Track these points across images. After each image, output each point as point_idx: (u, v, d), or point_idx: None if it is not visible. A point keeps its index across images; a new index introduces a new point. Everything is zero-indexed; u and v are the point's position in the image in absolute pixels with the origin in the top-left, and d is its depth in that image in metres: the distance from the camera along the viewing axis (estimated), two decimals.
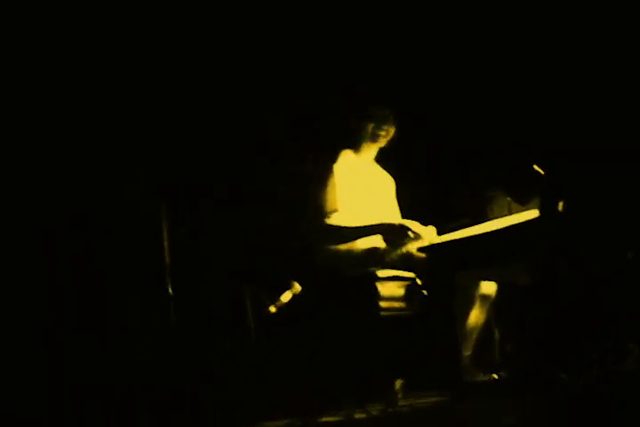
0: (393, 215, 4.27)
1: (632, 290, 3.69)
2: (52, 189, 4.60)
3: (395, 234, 4.01)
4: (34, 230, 4.54)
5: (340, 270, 4.03)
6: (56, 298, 4.49)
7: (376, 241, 4.10)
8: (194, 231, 4.59)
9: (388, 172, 4.41)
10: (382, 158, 4.39)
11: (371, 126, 4.26)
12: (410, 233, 3.95)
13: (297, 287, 3.98)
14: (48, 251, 4.53)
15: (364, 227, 4.07)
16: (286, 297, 3.94)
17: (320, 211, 4.09)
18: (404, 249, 3.99)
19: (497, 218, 3.79)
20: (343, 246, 4.09)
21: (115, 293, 4.53)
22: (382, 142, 4.30)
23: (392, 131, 4.28)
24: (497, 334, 4.11)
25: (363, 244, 4.08)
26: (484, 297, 4.01)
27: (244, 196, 4.84)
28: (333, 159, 4.21)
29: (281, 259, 4.44)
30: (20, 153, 4.57)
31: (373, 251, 4.05)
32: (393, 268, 3.96)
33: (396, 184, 4.40)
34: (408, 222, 4.01)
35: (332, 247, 4.10)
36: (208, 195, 4.76)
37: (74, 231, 4.58)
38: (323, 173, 4.16)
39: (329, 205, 4.09)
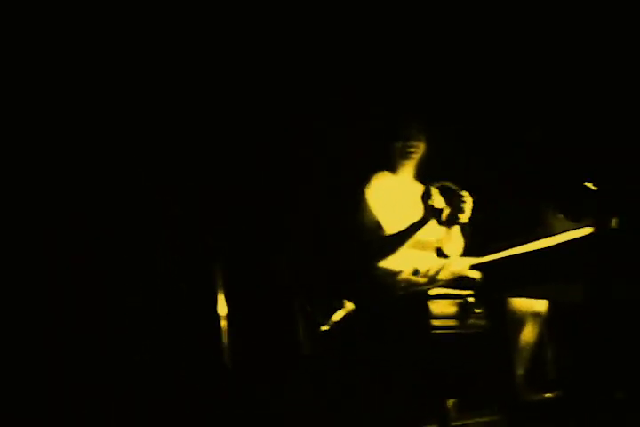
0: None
1: None
2: (52, 188, 4.63)
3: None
4: (34, 230, 4.57)
5: (391, 290, 4.04)
6: (56, 298, 4.51)
7: (428, 260, 4.10)
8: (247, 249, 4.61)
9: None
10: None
11: (399, 145, 4.27)
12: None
13: (349, 306, 3.98)
14: (48, 251, 4.55)
15: (406, 228, 4.09)
16: (338, 316, 3.95)
17: (369, 227, 4.11)
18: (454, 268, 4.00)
19: (550, 235, 3.76)
20: (394, 267, 4.10)
21: (115, 293, 4.54)
22: (415, 159, 4.31)
23: (422, 146, 4.28)
24: (550, 353, 4.09)
25: (417, 262, 4.09)
26: (536, 315, 3.99)
27: (289, 216, 4.85)
28: (367, 183, 4.23)
29: (334, 278, 4.44)
30: (20, 153, 4.60)
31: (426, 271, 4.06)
32: (445, 286, 3.96)
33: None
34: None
35: (385, 267, 4.11)
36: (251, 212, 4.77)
37: (74, 231, 4.60)
38: (358, 196, 4.19)
39: (373, 222, 4.13)
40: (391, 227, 4.14)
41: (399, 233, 4.11)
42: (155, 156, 4.78)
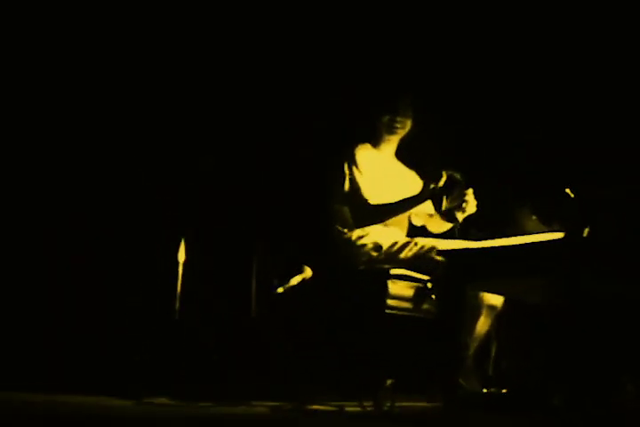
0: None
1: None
2: (52, 188, 4.60)
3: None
4: (34, 230, 4.54)
5: (354, 263, 4.03)
6: (56, 298, 4.49)
7: (391, 237, 4.09)
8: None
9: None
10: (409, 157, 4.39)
11: (386, 118, 4.24)
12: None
13: (308, 272, 3.97)
14: (48, 251, 4.53)
15: (406, 199, 4.07)
16: (296, 280, 3.93)
17: (357, 194, 4.10)
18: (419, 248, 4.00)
19: (521, 234, 3.78)
20: (363, 240, 4.08)
21: (115, 293, 4.53)
22: (400, 134, 4.27)
23: (408, 122, 4.25)
24: (494, 349, 4.11)
25: (383, 238, 4.08)
26: (491, 307, 3.99)
27: (263, 180, 4.82)
28: (350, 154, 4.19)
29: (297, 242, 4.43)
30: (21, 153, 4.57)
31: (388, 247, 4.05)
32: (407, 267, 3.96)
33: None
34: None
35: (353, 239, 4.10)
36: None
37: (74, 231, 4.58)
38: (343, 166, 4.16)
39: (357, 192, 4.10)
40: (371, 197, 4.12)
41: (391, 205, 4.09)
42: (155, 155, 4.74)
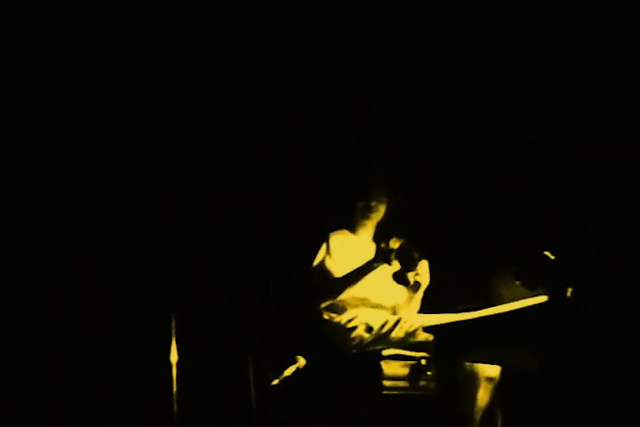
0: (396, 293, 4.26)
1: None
2: (52, 188, 4.60)
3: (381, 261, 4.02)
4: (34, 231, 4.53)
5: (344, 347, 4.03)
6: (56, 298, 4.47)
7: (381, 317, 4.10)
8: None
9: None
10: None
11: (360, 204, 4.28)
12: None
13: (301, 362, 3.97)
14: (48, 251, 4.52)
15: (353, 271, 4.10)
16: (290, 371, 3.93)
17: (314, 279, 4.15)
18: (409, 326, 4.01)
19: (505, 302, 3.78)
20: (353, 322, 4.09)
21: (115, 293, 4.49)
22: (374, 219, 4.32)
23: (382, 208, 4.30)
24: (500, 419, 4.08)
25: (372, 319, 4.09)
26: (489, 379, 3.98)
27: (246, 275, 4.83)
28: (325, 239, 4.25)
29: (287, 333, 4.43)
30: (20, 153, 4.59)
31: (379, 328, 4.06)
32: (398, 347, 3.96)
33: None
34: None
35: (342, 323, 4.11)
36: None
37: (74, 232, 4.57)
38: (315, 253, 4.22)
39: (328, 276, 4.15)
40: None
41: (346, 276, 4.12)
42: (154, 156, 4.77)
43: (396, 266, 4.05)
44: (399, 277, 4.08)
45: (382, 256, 4.04)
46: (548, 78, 4.71)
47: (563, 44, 4.62)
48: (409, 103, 4.85)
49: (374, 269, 4.07)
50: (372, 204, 4.28)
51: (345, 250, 4.24)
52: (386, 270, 4.09)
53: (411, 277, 4.09)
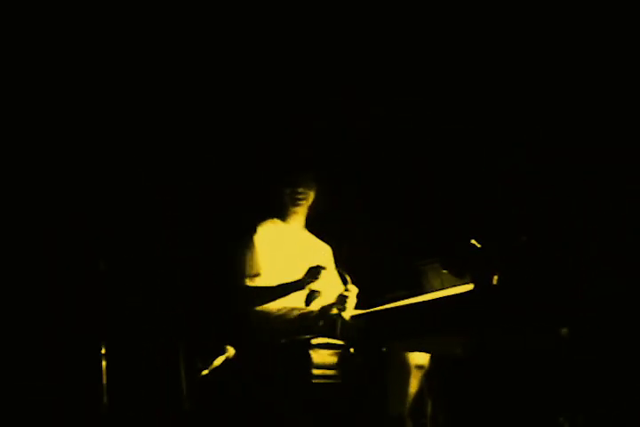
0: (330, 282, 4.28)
1: (564, 366, 3.72)
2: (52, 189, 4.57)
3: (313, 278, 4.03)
4: (34, 232, 4.50)
5: (273, 336, 4.04)
6: (56, 299, 4.43)
7: (308, 306, 4.12)
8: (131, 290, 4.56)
9: (326, 239, 4.45)
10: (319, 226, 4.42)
11: (287, 191, 4.30)
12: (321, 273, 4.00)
13: (230, 352, 3.97)
14: (48, 252, 4.49)
15: (283, 285, 4.10)
16: (219, 361, 3.93)
17: (241, 274, 4.13)
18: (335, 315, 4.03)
19: (433, 291, 3.81)
20: (276, 312, 4.11)
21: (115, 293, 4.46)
22: (305, 206, 4.35)
23: (311, 194, 4.32)
24: (429, 406, 4.11)
25: (296, 309, 4.10)
26: (418, 367, 4.01)
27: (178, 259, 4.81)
28: (254, 229, 4.25)
29: (216, 322, 4.42)
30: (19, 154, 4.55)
31: (306, 317, 4.07)
32: (326, 335, 3.97)
33: (335, 251, 4.45)
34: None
35: (266, 313, 4.12)
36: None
37: (74, 233, 4.54)
38: (244, 242, 4.21)
39: (249, 270, 4.14)
40: (270, 276, 4.16)
41: (271, 289, 4.13)
42: (154, 157, 4.74)
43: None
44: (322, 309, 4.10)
45: (313, 274, 4.05)
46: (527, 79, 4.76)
47: (562, 44, 4.66)
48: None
49: (304, 287, 4.07)
50: (299, 190, 4.29)
51: (275, 239, 4.25)
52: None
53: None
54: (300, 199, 4.31)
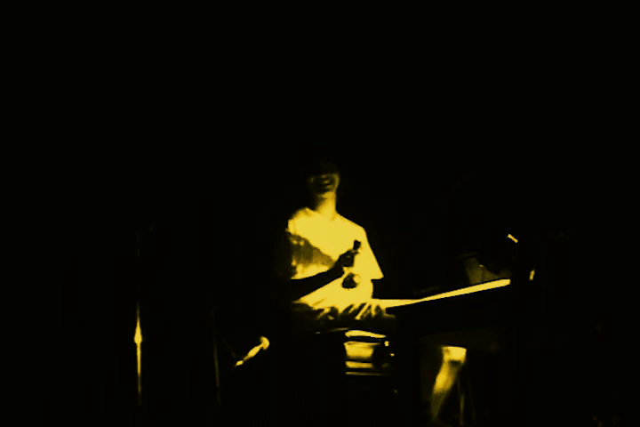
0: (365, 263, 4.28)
1: (600, 362, 3.69)
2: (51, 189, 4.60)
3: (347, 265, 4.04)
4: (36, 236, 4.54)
5: (309, 329, 4.05)
6: (56, 301, 4.47)
7: (347, 300, 4.12)
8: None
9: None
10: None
11: (311, 180, 4.30)
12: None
13: (265, 343, 3.98)
14: (50, 254, 4.52)
15: (319, 275, 4.12)
16: (254, 352, 3.94)
17: (277, 268, 4.15)
18: (373, 310, 4.03)
19: (469, 285, 3.80)
20: (314, 305, 4.12)
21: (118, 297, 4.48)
22: (332, 192, 4.35)
23: (336, 178, 4.32)
24: (463, 401, 4.10)
25: (333, 302, 4.11)
26: (454, 362, 4.00)
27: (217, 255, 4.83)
28: (285, 222, 4.26)
29: (251, 314, 4.44)
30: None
31: (344, 311, 4.08)
32: (362, 328, 3.98)
33: (368, 232, 4.46)
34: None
35: (303, 306, 4.13)
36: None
37: (76, 236, 4.57)
38: (278, 236, 4.23)
39: (285, 264, 4.17)
40: (305, 267, 4.17)
41: (307, 280, 4.15)
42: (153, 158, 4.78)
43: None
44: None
45: (346, 260, 4.06)
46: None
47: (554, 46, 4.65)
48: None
49: (340, 273, 4.08)
50: (323, 176, 4.30)
51: (308, 230, 4.27)
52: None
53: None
54: (326, 184, 4.31)
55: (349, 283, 4.04)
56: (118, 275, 4.38)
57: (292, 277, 4.16)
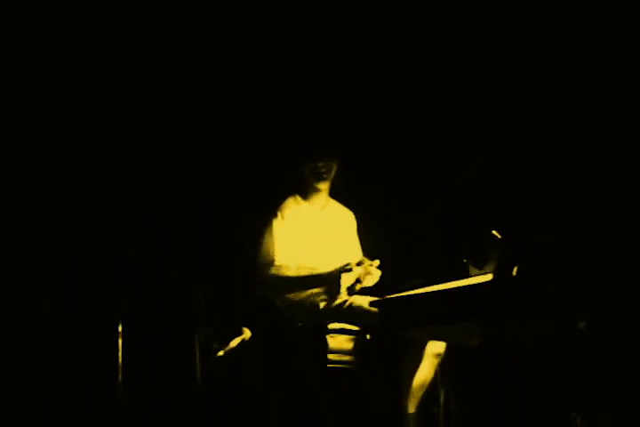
0: (349, 256, 4.27)
1: (581, 359, 3.71)
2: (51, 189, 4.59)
3: (334, 282, 4.03)
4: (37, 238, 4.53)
5: (291, 320, 4.05)
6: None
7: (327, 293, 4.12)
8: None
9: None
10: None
11: (307, 169, 4.25)
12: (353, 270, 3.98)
13: (247, 334, 3.98)
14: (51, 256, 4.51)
15: (303, 277, 4.09)
16: (235, 342, 3.94)
17: (263, 261, 4.12)
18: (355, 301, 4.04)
19: (451, 280, 3.81)
20: (295, 297, 4.11)
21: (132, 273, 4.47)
22: (329, 178, 4.28)
23: (333, 166, 4.25)
24: (442, 394, 4.11)
25: (315, 295, 4.11)
26: (435, 355, 4.01)
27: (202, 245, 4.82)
28: (274, 212, 4.22)
29: (233, 305, 4.43)
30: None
31: (326, 303, 4.08)
32: (343, 321, 3.98)
33: (357, 218, 4.45)
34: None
35: (285, 297, 4.12)
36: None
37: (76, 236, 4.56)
38: (265, 227, 4.19)
39: (271, 256, 4.13)
40: (291, 263, 4.15)
41: (299, 280, 4.12)
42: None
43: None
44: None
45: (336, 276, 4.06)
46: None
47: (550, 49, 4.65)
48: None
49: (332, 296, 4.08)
50: (320, 164, 4.24)
51: (297, 222, 4.25)
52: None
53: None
54: (323, 173, 4.23)
55: (352, 290, 4.03)
56: (118, 275, 4.37)
57: (278, 273, 4.13)
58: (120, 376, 3.97)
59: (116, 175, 4.69)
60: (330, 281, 4.06)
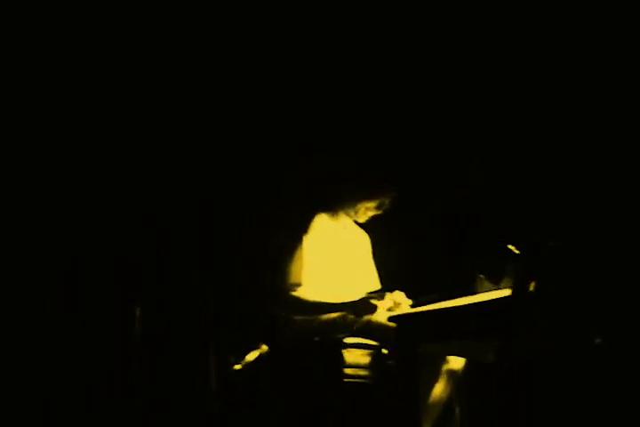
0: (368, 282, 4.26)
1: (598, 375, 3.69)
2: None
3: (359, 309, 4.00)
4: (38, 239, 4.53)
5: (308, 334, 4.03)
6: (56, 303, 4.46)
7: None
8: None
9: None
10: None
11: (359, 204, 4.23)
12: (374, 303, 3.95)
13: (264, 347, 3.97)
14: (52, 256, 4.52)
15: (328, 304, 4.06)
16: (252, 356, 3.93)
17: (286, 281, 4.10)
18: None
19: (468, 295, 3.81)
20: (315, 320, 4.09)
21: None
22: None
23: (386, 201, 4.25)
24: (458, 412, 4.09)
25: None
26: (451, 372, 4.00)
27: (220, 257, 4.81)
28: (305, 228, 4.18)
29: (249, 319, 4.43)
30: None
31: (343, 317, 4.06)
32: (361, 335, 3.97)
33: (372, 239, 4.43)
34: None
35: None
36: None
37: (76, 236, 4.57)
38: (293, 244, 4.14)
39: (293, 278, 4.09)
40: (316, 279, 4.12)
41: (318, 305, 4.07)
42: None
43: None
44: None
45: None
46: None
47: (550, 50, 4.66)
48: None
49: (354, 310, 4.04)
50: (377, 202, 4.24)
51: (326, 242, 4.19)
52: None
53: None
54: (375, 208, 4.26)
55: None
56: (118, 275, 4.38)
57: (299, 295, 4.08)
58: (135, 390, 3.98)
59: (116, 175, 4.70)
60: (356, 309, 4.02)
